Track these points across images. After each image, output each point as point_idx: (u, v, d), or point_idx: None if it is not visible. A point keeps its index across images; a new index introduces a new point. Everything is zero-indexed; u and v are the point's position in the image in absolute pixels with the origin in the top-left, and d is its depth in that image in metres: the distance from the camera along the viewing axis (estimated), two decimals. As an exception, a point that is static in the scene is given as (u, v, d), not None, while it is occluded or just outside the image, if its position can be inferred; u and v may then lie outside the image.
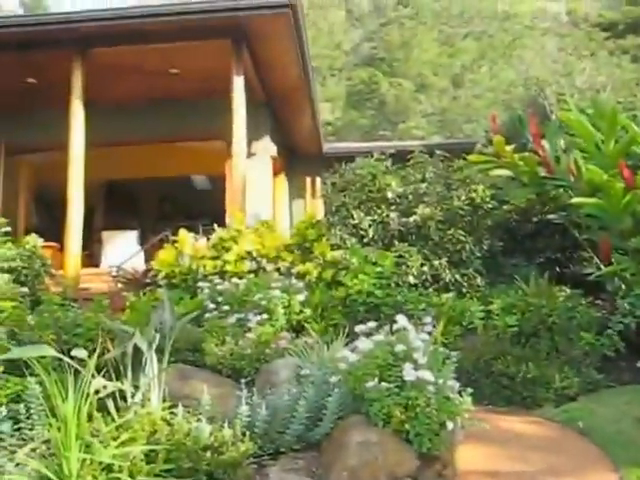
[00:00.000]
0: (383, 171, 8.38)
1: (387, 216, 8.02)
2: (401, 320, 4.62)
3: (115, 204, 18.29)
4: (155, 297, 8.09)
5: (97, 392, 4.66)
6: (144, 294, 8.26)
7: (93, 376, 4.46)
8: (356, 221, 8.12)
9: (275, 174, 15.98)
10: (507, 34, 33.57)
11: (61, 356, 4.57)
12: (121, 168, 16.32)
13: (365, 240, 8.00)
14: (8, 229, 10.97)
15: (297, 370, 5.38)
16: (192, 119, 14.01)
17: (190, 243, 8.57)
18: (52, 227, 15.38)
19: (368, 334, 4.85)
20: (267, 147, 14.55)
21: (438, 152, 8.77)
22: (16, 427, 5.05)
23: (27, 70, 12.89)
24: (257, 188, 13.56)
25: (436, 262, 7.75)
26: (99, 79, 12.21)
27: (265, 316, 6.98)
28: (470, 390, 4.61)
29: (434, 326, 6.71)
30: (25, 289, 8.42)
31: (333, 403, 4.45)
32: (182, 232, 8.83)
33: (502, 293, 7.34)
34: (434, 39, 36.77)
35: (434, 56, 35.83)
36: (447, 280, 7.69)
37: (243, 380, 5.29)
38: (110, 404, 4.86)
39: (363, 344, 4.58)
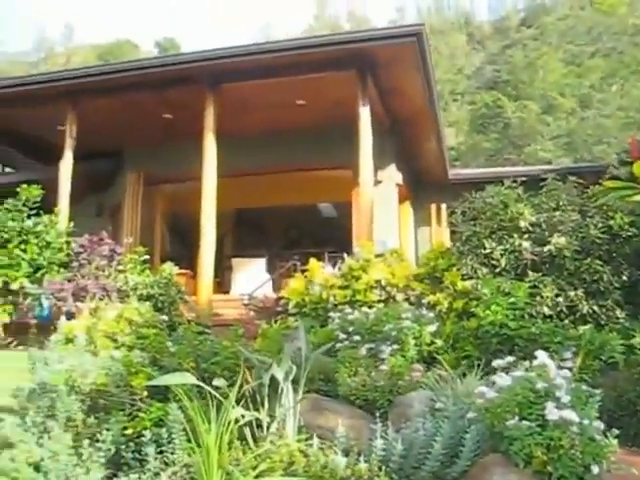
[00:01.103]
0: (515, 199, 8.19)
1: (520, 245, 7.81)
2: (541, 356, 4.48)
3: (244, 232, 18.83)
4: (286, 325, 8.24)
5: (237, 421, 4.80)
6: (275, 322, 8.43)
7: (232, 406, 4.59)
8: (488, 250, 7.96)
9: (400, 202, 15.98)
10: (638, 49, 32.18)
11: (202, 384, 4.74)
12: (249, 197, 16.81)
13: (497, 270, 7.82)
14: (146, 257, 11.57)
15: (431, 404, 5.31)
16: (318, 149, 14.25)
17: (320, 272, 8.68)
18: (184, 255, 16.06)
19: (505, 369, 4.73)
20: (392, 175, 14.59)
21: (571, 178, 8.48)
22: (159, 450, 5.26)
23: (164, 107, 13.59)
24: (383, 216, 13.59)
25: (572, 293, 7.46)
26: (229, 113, 12.68)
27: (396, 347, 6.96)
28: (616, 431, 4.39)
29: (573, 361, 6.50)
30: (164, 316, 8.76)
31: (470, 440, 4.35)
32: (312, 261, 8.96)
33: (645, 326, 6.97)
34: (560, 59, 35.80)
35: (560, 76, 34.88)
36: (584, 312, 7.38)
37: (377, 412, 5.28)
38: (248, 433, 4.98)
39: (501, 380, 4.47)
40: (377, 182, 13.93)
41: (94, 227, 15.00)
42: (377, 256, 9.07)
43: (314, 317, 8.28)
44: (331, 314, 7.76)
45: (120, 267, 11.11)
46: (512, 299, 7.10)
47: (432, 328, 7.25)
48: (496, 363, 4.80)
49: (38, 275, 10.99)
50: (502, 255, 7.85)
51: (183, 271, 12.87)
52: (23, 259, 11.00)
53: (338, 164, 13.85)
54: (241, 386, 4.88)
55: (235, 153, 13.73)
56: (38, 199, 11.44)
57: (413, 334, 7.16)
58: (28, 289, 10.84)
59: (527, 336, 6.93)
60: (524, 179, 8.65)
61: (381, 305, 8.03)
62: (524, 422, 4.09)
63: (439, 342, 7.21)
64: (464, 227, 8.32)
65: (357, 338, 7.18)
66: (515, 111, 33.24)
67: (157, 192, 15.85)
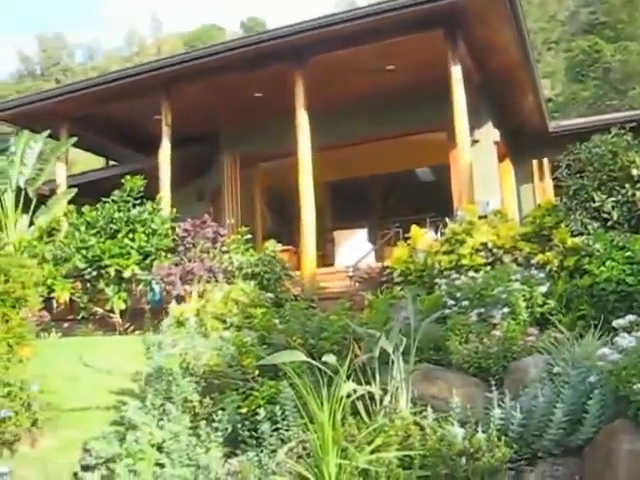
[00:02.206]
0: (624, 147, 7.69)
1: (633, 195, 7.34)
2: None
3: (342, 204, 18.74)
4: (392, 295, 8.11)
5: (348, 396, 4.73)
6: (381, 292, 8.31)
7: (343, 381, 4.52)
8: (597, 204, 7.52)
9: (500, 160, 15.44)
10: None
11: (311, 361, 4.70)
12: (345, 168, 16.67)
13: (609, 224, 7.38)
14: (249, 236, 11.69)
15: (548, 368, 5.08)
16: (411, 113, 13.89)
17: (423, 238, 8.48)
18: (284, 231, 16.17)
19: (627, 328, 4.44)
20: (490, 133, 14.08)
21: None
22: (274, 428, 5.29)
23: (254, 85, 13.59)
24: (483, 176, 13.18)
25: (694, 241, 6.95)
26: (319, 86, 12.54)
27: (506, 310, 6.71)
28: None
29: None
30: (269, 294, 8.81)
31: (595, 406, 4.12)
32: (414, 228, 8.76)
33: None
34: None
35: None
36: None
37: (492, 379, 5.10)
38: (361, 408, 4.92)
39: (624, 340, 4.20)
40: (474, 142, 13.48)
41: (197, 212, 15.26)
42: (480, 218, 8.79)
43: (420, 285, 8.09)
44: (437, 280, 7.57)
45: (224, 248, 11.27)
46: (628, 253, 6.68)
47: (543, 289, 6.94)
48: (616, 323, 4.52)
49: (147, 262, 11.29)
50: (614, 207, 7.40)
51: (286, 247, 12.94)
52: (132, 247, 11.33)
53: (432, 127, 13.48)
54: (351, 360, 4.81)
55: (328, 125, 13.62)
56: (142, 189, 11.74)
57: (524, 296, 6.88)
58: (139, 276, 11.17)
59: (648, 292, 6.52)
60: (633, 124, 8.11)
61: (488, 268, 7.75)
62: (652, 386, 3.82)
63: (552, 303, 6.89)
64: (570, 181, 7.90)
65: (466, 303, 6.98)
66: (615, 54, 31.51)
67: (254, 171, 15.93)
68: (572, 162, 8.08)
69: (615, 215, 7.38)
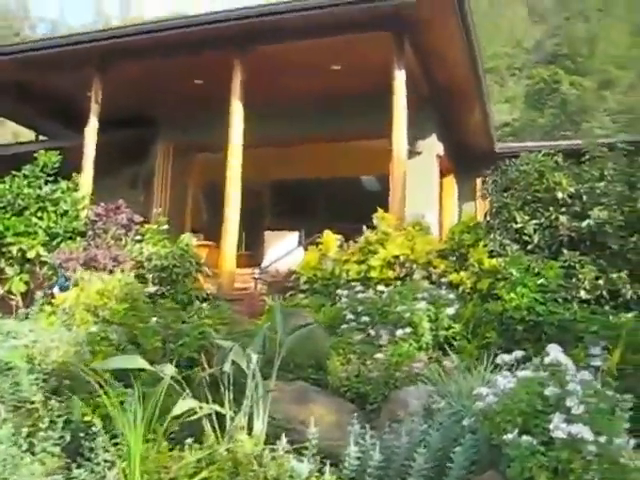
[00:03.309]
0: (552, 167, 7.10)
1: (556, 219, 6.74)
2: (553, 351, 3.50)
3: (283, 205, 18.01)
4: (295, 303, 7.40)
5: (191, 414, 3.99)
6: (284, 299, 7.59)
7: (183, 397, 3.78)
8: (519, 225, 6.91)
9: (443, 175, 14.89)
10: None
11: (151, 368, 3.95)
12: (289, 168, 15.95)
13: (529, 247, 6.78)
14: (166, 227, 10.86)
15: (431, 402, 4.40)
16: (357, 117, 13.22)
17: (335, 245, 7.78)
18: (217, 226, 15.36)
19: (514, 366, 3.78)
20: (433, 146, 13.48)
21: (620, 146, 7.33)
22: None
23: (194, 72, 12.78)
24: (422, 189, 12.59)
25: (614, 275, 6.37)
26: (261, 78, 11.81)
27: (408, 330, 6.05)
28: (651, 447, 3.40)
29: (609, 352, 5.47)
30: (151, 289, 8.05)
31: (462, 454, 3.42)
32: (327, 233, 8.06)
33: (700, 316, 5.87)
34: (624, 31, 33.60)
35: (623, 49, 32.70)
36: (628, 297, 6.28)
37: (369, 408, 4.42)
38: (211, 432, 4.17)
39: (504, 380, 3.52)
40: (416, 153, 12.96)
41: (129, 199, 14.51)
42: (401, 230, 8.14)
43: (326, 294, 7.40)
44: (339, 291, 6.87)
45: (138, 237, 10.44)
46: (542, 280, 6.07)
47: (451, 311, 6.29)
48: (501, 358, 3.85)
49: (54, 244, 10.38)
50: (535, 230, 6.80)
51: (206, 242, 12.15)
52: (40, 227, 10.41)
53: (377, 134, 12.78)
54: (197, 373, 4.07)
55: (270, 121, 12.94)
56: (57, 165, 10.82)
57: (429, 317, 6.22)
58: (44, 258, 10.25)
59: (558, 323, 5.92)
60: (564, 148, 7.55)
61: (399, 283, 7.09)
62: (525, 438, 3.14)
63: (457, 327, 6.25)
64: (494, 198, 7.28)
65: (366, 319, 6.29)
66: (572, 86, 31.39)
67: (190, 162, 15.11)
68: (499, 179, 7.47)
69: (536, 238, 6.77)
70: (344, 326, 6.30)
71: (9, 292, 10.46)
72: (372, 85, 12.05)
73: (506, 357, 3.86)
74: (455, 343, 6.16)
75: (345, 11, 10.40)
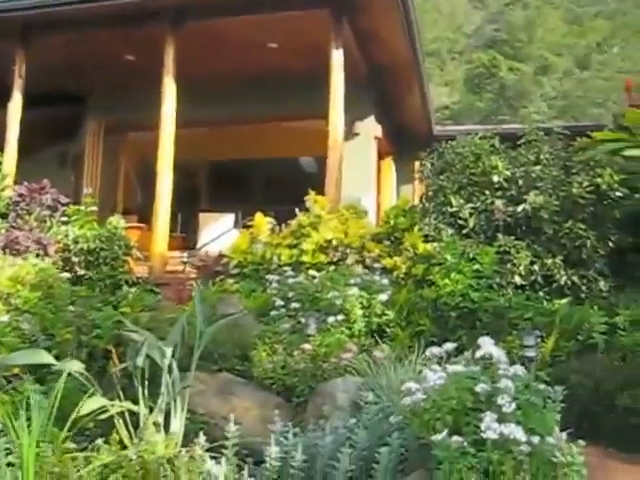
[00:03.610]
0: (489, 150, 6.92)
1: (491, 204, 6.57)
2: (486, 345, 3.29)
3: (219, 186, 17.57)
4: (225, 288, 7.07)
5: (103, 412, 3.66)
6: (213, 284, 7.25)
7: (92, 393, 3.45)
8: (455, 209, 6.71)
9: (381, 157, 14.69)
10: (643, 12, 30.47)
11: (55, 363, 3.59)
12: (224, 148, 15.49)
13: (464, 232, 6.59)
14: (94, 208, 10.37)
15: (360, 396, 4.16)
16: (295, 97, 12.87)
17: (267, 229, 7.47)
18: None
19: (445, 359, 3.57)
20: (371, 127, 13.23)
21: (557, 130, 7.20)
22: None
23: (125, 47, 12.20)
24: (359, 171, 12.37)
25: (549, 260, 6.24)
26: (195, 55, 11.35)
27: (340, 318, 5.81)
28: (582, 442, 3.22)
29: (543, 340, 5.34)
30: (66, 274, 7.64)
31: (386, 456, 3.19)
32: (258, 215, 7.74)
33: (632, 302, 5.78)
34: (561, 19, 34.00)
35: (560, 36, 33.10)
36: (562, 283, 6.15)
37: (295, 401, 4.16)
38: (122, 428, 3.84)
39: (434, 376, 3.29)
40: (353, 134, 12.73)
41: (57, 178, 13.84)
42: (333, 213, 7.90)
43: (256, 279, 7.08)
44: (269, 277, 6.58)
45: (64, 219, 9.91)
46: (477, 266, 5.91)
47: (384, 297, 6.08)
48: (429, 351, 3.62)
49: (-29, 226, 9.78)
50: (471, 215, 6.62)
51: (137, 225, 11.67)
52: (-45, 207, 9.80)
53: (315, 114, 12.47)
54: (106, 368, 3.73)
55: (204, 101, 12.48)
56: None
57: (361, 303, 6.00)
58: (-41, 240, 9.64)
59: (493, 310, 5.77)
60: (499, 131, 7.40)
61: (332, 268, 6.83)
62: (455, 438, 2.92)
63: (391, 314, 6.04)
64: (430, 180, 7.08)
65: (296, 306, 6.03)
66: (510, 71, 31.64)
67: (121, 141, 14.52)
68: (436, 161, 7.26)
69: (472, 223, 6.59)
70: (273, 313, 6.02)
71: None
72: (310, 65, 11.73)
73: (435, 350, 3.63)
74: (388, 330, 5.95)
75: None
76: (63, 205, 10.07)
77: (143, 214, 13.15)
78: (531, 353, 4.12)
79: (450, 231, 6.63)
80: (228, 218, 14.17)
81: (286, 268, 6.83)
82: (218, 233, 12.70)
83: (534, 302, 5.92)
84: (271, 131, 14.25)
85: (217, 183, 17.25)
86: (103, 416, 3.64)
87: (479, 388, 3.03)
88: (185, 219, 15.18)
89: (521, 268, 6.19)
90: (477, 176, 6.75)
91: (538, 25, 33.56)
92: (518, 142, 7.24)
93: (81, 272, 9.09)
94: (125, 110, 13.47)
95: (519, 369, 3.22)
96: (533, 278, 6.22)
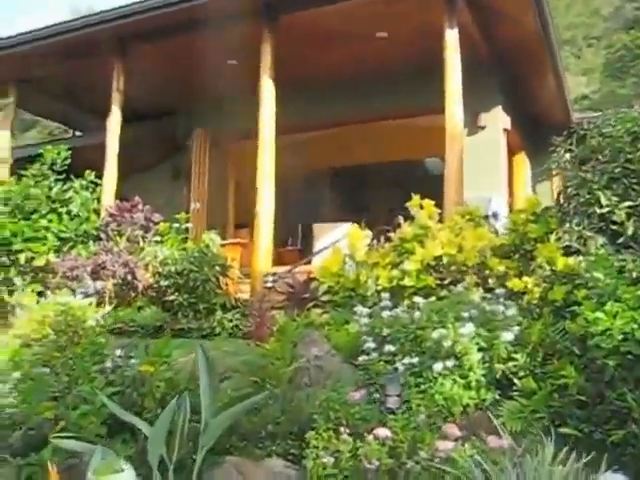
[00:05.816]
0: (651, 127, 4.96)
1: (658, 200, 4.63)
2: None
3: (341, 194, 16.16)
4: (310, 320, 5.56)
5: None
6: (298, 315, 5.74)
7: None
8: (605, 209, 4.80)
9: (513, 152, 12.68)
10: None
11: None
12: (347, 153, 14.02)
13: (620, 240, 4.67)
14: (188, 225, 9.28)
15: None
16: (412, 90, 11.19)
17: (363, 244, 5.87)
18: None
19: None
20: (498, 119, 11.22)
21: None
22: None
23: (226, 51, 10.99)
24: (487, 169, 10.55)
25: None
26: (297, 53, 10.03)
27: (449, 364, 4.13)
28: None
29: None
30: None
31: None
32: (353, 228, 6.17)
33: None
34: None
35: None
36: None
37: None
38: None
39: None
40: (478, 128, 10.92)
41: (170, 192, 12.97)
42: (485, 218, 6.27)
43: (349, 309, 5.49)
44: (357, 309, 4.97)
45: (157, 238, 8.85)
46: (644, 291, 3.99)
47: (509, 336, 4.29)
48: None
49: (66, 249, 8.91)
50: (629, 217, 4.67)
51: (238, 240, 10.39)
52: (50, 231, 8.96)
53: (438, 109, 10.74)
54: None
55: (315, 102, 11.24)
56: (67, 161, 9.34)
57: (477, 344, 4.27)
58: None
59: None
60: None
61: (443, 293, 5.14)
62: None
63: (520, 357, 4.25)
64: (569, 174, 5.20)
65: (391, 349, 4.40)
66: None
67: (229, 151, 13.37)
68: (575, 147, 5.37)
69: (630, 228, 4.65)
70: (361, 358, 4.43)
71: (21, 304, 9.08)
72: (427, 52, 9.97)
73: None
74: (517, 382, 4.18)
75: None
76: (156, 224, 9.01)
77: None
78: None
79: (600, 240, 4.72)
80: (344, 228, 12.68)
81: (386, 294, 5.20)
82: (328, 243, 11.15)
83: None
84: (398, 131, 12.59)
85: (340, 191, 15.86)
86: None
87: None
88: (304, 231, 13.97)
89: None
90: (636, 163, 4.79)
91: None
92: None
93: (171, 297, 7.96)
94: (231, 119, 12.31)
95: None
96: None
